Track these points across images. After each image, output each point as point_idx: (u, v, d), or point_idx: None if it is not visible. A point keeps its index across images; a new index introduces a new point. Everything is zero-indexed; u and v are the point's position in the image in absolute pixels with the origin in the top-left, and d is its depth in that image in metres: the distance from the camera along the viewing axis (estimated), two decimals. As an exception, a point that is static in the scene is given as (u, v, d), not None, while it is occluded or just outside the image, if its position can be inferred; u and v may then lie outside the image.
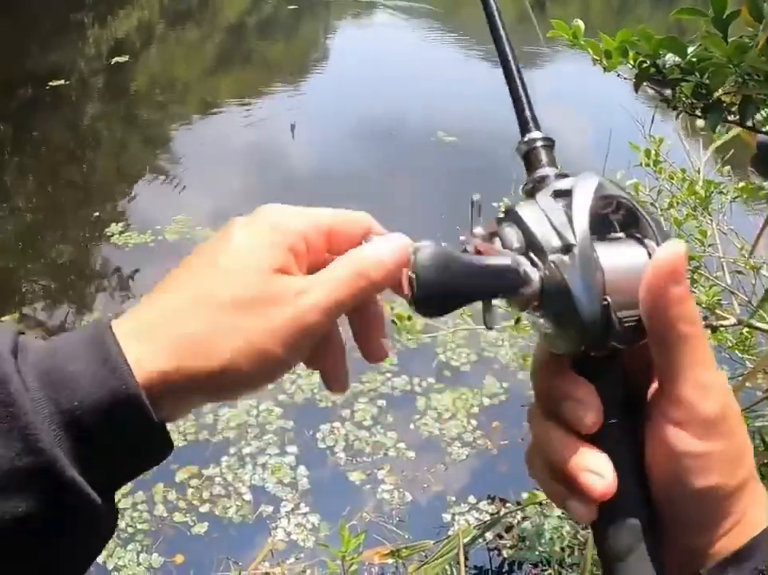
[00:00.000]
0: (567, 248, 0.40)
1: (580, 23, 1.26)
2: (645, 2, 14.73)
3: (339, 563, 2.21)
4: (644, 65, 1.20)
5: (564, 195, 0.42)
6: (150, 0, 12.47)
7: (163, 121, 7.08)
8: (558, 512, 2.61)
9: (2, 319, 3.82)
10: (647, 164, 2.39)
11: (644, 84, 1.22)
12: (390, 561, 2.55)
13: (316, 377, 3.29)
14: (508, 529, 2.65)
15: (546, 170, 0.45)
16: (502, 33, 0.50)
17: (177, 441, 3.05)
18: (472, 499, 2.83)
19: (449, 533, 2.65)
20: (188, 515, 2.76)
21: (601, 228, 0.41)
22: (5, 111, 7.11)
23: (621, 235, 0.42)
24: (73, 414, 0.37)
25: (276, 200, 0.45)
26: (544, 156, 0.46)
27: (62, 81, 7.70)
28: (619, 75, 1.26)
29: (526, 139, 0.47)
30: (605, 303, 0.39)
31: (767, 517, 0.44)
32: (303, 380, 3.34)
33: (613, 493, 0.41)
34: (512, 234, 0.42)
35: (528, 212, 0.42)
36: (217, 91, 8.06)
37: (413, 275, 0.39)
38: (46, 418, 0.36)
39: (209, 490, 2.85)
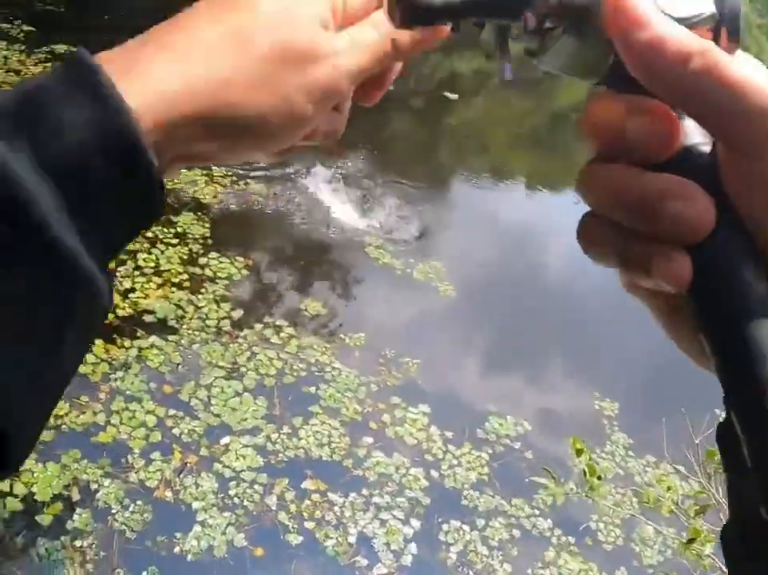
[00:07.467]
0: None
1: None
2: None
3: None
4: None
5: None
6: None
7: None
8: None
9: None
10: None
11: None
12: None
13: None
14: None
15: None
16: None
17: (323, 455, 3.07)
18: None
19: None
20: (291, 520, 2.76)
21: None
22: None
23: None
24: (59, 165, 0.31)
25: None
26: None
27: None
28: None
29: None
30: None
31: None
32: (460, 470, 3.21)
33: (712, 222, 0.31)
34: None
35: None
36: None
37: None
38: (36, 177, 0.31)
39: (323, 512, 2.83)
